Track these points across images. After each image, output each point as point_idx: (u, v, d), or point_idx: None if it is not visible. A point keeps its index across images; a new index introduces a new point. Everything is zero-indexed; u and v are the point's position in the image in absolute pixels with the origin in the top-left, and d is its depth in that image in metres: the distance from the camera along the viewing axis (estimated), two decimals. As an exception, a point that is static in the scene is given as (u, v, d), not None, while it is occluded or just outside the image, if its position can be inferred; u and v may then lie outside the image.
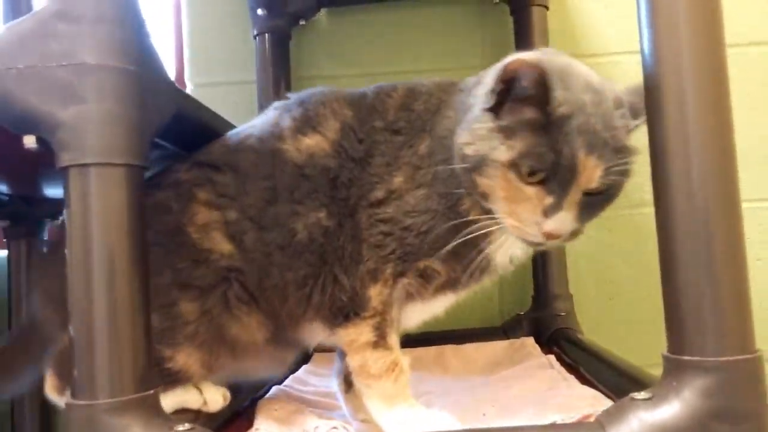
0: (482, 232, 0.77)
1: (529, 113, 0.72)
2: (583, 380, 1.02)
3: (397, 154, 0.84)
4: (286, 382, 1.15)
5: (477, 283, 0.88)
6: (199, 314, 0.83)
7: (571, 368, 1.11)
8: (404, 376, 0.83)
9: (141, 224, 0.70)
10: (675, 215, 0.64)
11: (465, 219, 0.79)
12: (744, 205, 0.64)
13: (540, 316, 1.43)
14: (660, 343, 1.46)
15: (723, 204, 0.63)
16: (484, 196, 0.77)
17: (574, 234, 0.75)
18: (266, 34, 1.54)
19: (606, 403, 0.84)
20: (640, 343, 1.55)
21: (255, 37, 1.56)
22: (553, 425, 0.75)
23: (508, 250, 0.84)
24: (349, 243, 0.83)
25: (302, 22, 1.61)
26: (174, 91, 0.83)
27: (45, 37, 0.67)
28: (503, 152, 0.73)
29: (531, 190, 0.73)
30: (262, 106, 1.55)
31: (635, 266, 1.58)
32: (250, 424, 0.91)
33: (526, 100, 0.72)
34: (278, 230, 0.84)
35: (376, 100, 0.89)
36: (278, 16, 1.54)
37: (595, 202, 0.75)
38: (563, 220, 0.73)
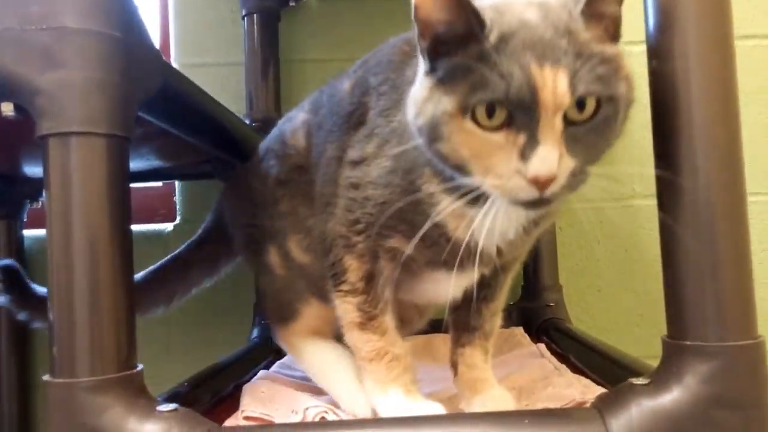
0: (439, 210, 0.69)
1: (464, 51, 0.61)
2: (575, 369, 1.01)
3: (376, 121, 0.79)
4: (273, 367, 1.12)
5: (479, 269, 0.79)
6: None
7: (562, 357, 1.09)
8: (398, 363, 0.80)
9: (125, 198, 0.67)
10: (678, 198, 0.62)
11: (419, 195, 0.71)
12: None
13: (530, 307, 1.42)
14: (648, 335, 1.46)
15: (726, 187, 0.61)
16: (457, 166, 0.65)
17: (575, 175, 0.61)
18: (255, 15, 1.52)
19: (599, 391, 0.83)
20: (628, 334, 1.56)
21: (243, 18, 1.53)
22: (548, 410, 0.73)
23: (494, 230, 0.72)
24: (329, 188, 0.82)
25: (292, 3, 1.59)
26: (161, 63, 0.79)
27: (24, -2, 0.64)
28: (448, 102, 0.62)
29: (498, 136, 0.60)
30: (250, 89, 1.53)
31: (624, 258, 1.57)
32: (236, 408, 0.89)
33: (456, 41, 0.62)
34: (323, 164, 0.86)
35: (389, 53, 0.84)
36: (268, -4, 1.51)
37: (589, 130, 0.61)
38: (546, 156, 0.58)
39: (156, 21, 1.65)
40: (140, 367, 0.67)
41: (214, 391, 0.99)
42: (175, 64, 1.60)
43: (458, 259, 0.74)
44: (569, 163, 0.60)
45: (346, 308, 0.81)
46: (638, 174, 1.56)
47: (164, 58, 0.81)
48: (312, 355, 0.95)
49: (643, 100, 1.55)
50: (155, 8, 1.66)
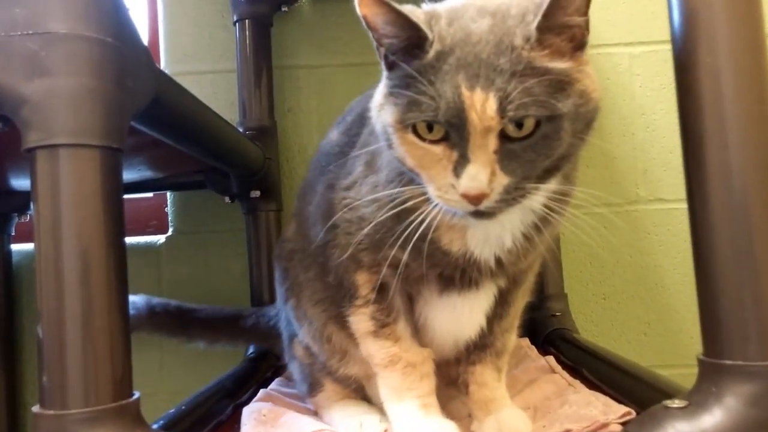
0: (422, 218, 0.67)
1: (410, 62, 0.62)
2: (589, 385, 0.97)
3: (366, 140, 0.79)
4: (272, 385, 1.08)
5: (480, 281, 0.77)
6: None
7: (573, 371, 1.05)
8: (413, 370, 0.78)
9: (119, 214, 0.62)
10: (712, 208, 0.58)
11: (404, 206, 0.69)
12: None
13: (535, 317, 1.37)
14: (656, 344, 1.42)
15: (765, 195, 0.57)
16: (411, 171, 0.66)
17: (510, 192, 0.61)
18: (247, 20, 1.48)
19: (621, 410, 0.79)
20: (635, 343, 1.52)
21: (235, 24, 1.50)
22: None
23: (489, 239, 0.72)
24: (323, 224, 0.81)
25: (284, 9, 1.55)
26: (154, 70, 0.75)
27: (8, 2, 0.59)
28: (391, 113, 0.64)
29: (438, 149, 0.62)
30: (243, 97, 1.48)
31: (629, 265, 1.53)
32: (236, 433, 0.84)
33: (404, 51, 0.63)
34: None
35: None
36: (259, 2, 1.48)
37: (527, 147, 0.60)
38: (475, 176, 0.59)
39: (145, 27, 1.61)
40: (137, 395, 0.63)
41: (213, 415, 0.94)
42: (165, 72, 1.56)
43: (464, 274, 0.75)
44: (503, 180, 0.61)
45: (360, 319, 0.80)
46: (642, 178, 1.53)
47: (156, 65, 0.78)
48: (338, 412, 0.91)
49: (645, 102, 1.52)
50: (144, 14, 1.62)
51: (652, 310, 1.52)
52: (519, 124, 0.59)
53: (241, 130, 1.45)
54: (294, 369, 0.98)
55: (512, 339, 0.88)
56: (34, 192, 0.59)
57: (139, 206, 1.59)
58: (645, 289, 1.53)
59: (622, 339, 1.52)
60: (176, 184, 1.51)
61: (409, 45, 0.62)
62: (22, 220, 1.49)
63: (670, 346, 1.52)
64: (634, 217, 1.53)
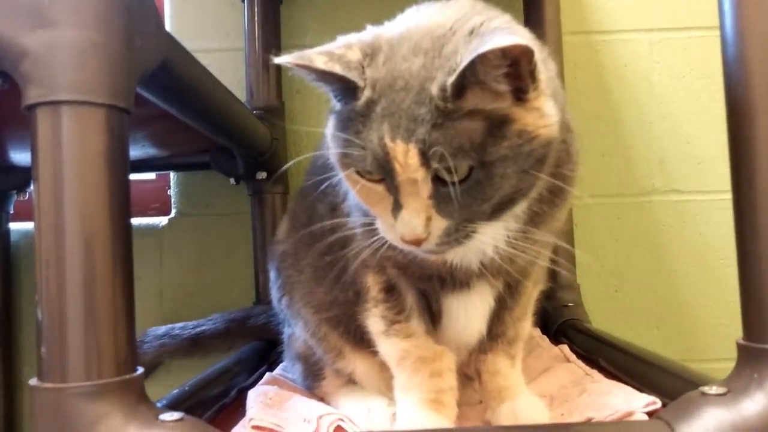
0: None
1: (348, 104, 0.61)
2: (607, 374, 0.93)
3: None
4: (278, 369, 1.04)
5: (471, 283, 0.76)
6: None
7: (588, 361, 1.02)
8: (424, 365, 0.75)
9: (125, 179, 0.59)
10: (757, 191, 0.55)
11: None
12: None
13: (546, 308, 1.34)
14: (669, 338, 1.39)
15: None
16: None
17: (451, 234, 0.60)
18: (256, -2, 1.44)
19: (645, 400, 0.75)
20: (647, 336, 1.49)
21: (243, 1, 1.46)
22: (610, 424, 0.66)
23: (469, 248, 0.68)
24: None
25: (295, -13, 1.51)
26: (163, 33, 0.71)
27: (11, -52, 0.56)
28: (334, 151, 0.63)
29: (379, 188, 0.61)
30: (250, 76, 1.45)
31: (643, 257, 1.50)
32: (241, 415, 0.81)
33: (345, 92, 0.61)
34: None
35: None
36: (269, -21, 1.43)
37: (464, 191, 0.58)
38: (408, 222, 0.59)
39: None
40: (141, 370, 0.59)
41: (217, 397, 0.91)
42: (171, 50, 1.52)
43: (453, 276, 0.74)
44: (440, 224, 0.60)
45: (373, 320, 0.79)
46: (658, 169, 1.49)
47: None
48: (345, 397, 0.89)
49: (664, 91, 1.48)
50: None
51: (665, 303, 1.49)
52: (451, 171, 0.57)
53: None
54: (296, 368, 0.96)
55: (526, 327, 0.85)
56: (33, 153, 0.56)
57: (141, 188, 1.55)
58: (658, 282, 1.49)
59: (633, 333, 1.48)
60: (180, 165, 1.48)
61: (346, 91, 0.61)
62: (21, 198, 1.46)
63: (684, 340, 1.48)
64: (648, 208, 1.50)
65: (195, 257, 1.52)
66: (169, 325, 1.32)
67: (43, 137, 0.55)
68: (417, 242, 0.60)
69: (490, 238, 0.66)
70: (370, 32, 0.65)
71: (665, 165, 1.49)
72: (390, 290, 0.78)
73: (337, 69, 0.59)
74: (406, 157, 0.56)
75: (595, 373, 0.94)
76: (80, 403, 0.53)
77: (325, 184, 0.74)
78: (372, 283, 0.78)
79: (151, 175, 1.57)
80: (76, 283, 0.54)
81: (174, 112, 0.87)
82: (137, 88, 0.65)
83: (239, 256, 1.50)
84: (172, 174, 1.54)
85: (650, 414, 0.72)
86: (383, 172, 0.59)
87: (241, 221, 1.50)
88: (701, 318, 1.49)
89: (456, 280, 0.74)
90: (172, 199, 1.54)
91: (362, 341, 0.82)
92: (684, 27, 1.51)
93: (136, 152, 1.23)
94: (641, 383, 0.85)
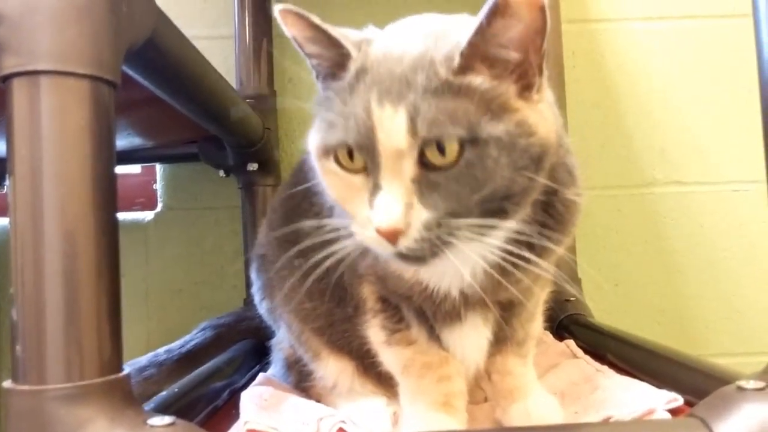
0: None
1: (335, 82, 0.58)
2: (616, 369, 0.89)
3: None
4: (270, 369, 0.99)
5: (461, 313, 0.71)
6: None
7: (596, 356, 0.98)
8: (430, 371, 0.72)
9: (109, 158, 0.54)
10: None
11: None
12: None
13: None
14: (670, 332, 1.36)
15: None
16: (336, 204, 0.62)
17: (431, 229, 0.53)
18: (246, -16, 1.40)
19: (662, 394, 0.71)
20: (648, 331, 1.45)
21: (234, -14, 1.41)
22: (641, 422, 0.62)
23: (445, 274, 0.65)
24: None
25: (287, -27, 1.46)
26: (153, 7, 0.67)
27: None
28: (315, 140, 0.59)
29: (358, 179, 0.56)
30: (240, 64, 1.40)
31: (644, 250, 1.47)
32: (234, 418, 0.77)
33: (331, 70, 0.58)
34: None
35: None
36: (261, -37, 1.38)
37: (451, 178, 0.53)
38: (386, 206, 0.53)
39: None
40: (127, 370, 0.54)
41: (209, 399, 0.86)
42: (156, 37, 1.47)
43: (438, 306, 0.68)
44: (421, 215, 0.53)
45: (374, 331, 0.76)
46: (659, 159, 1.46)
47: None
48: (343, 398, 0.85)
49: (664, 80, 1.45)
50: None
51: (667, 297, 1.46)
52: (441, 149, 0.52)
53: (237, 98, 1.36)
54: (287, 374, 0.92)
55: (536, 326, 0.81)
56: (9, 128, 0.51)
57: (125, 182, 1.50)
58: (660, 276, 1.46)
59: (635, 327, 1.43)
60: (167, 156, 1.43)
61: (335, 65, 0.58)
62: (-1, 192, 1.40)
63: (685, 335, 1.46)
64: (649, 200, 1.46)
65: (182, 253, 1.48)
66: (152, 353, 1.12)
67: (19, 111, 0.50)
68: (395, 234, 0.53)
69: (475, 254, 0.57)
70: (369, 29, 0.62)
71: (666, 155, 1.46)
72: (386, 300, 0.75)
73: (335, 33, 0.56)
74: (393, 122, 0.52)
75: (605, 368, 0.90)
76: (60, 407, 0.48)
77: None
78: (368, 294, 0.75)
79: (136, 168, 1.52)
80: (56, 273, 0.49)
81: (161, 94, 0.82)
82: (122, 66, 0.60)
83: (229, 252, 1.46)
84: (158, 167, 1.49)
85: (672, 411, 0.68)
86: (363, 147, 0.54)
87: (230, 215, 1.46)
88: (703, 312, 1.46)
89: (443, 310, 0.69)
90: (159, 193, 1.49)
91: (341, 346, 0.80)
92: (685, 15, 1.48)
93: (120, 142, 1.18)
94: (655, 379, 0.80)
